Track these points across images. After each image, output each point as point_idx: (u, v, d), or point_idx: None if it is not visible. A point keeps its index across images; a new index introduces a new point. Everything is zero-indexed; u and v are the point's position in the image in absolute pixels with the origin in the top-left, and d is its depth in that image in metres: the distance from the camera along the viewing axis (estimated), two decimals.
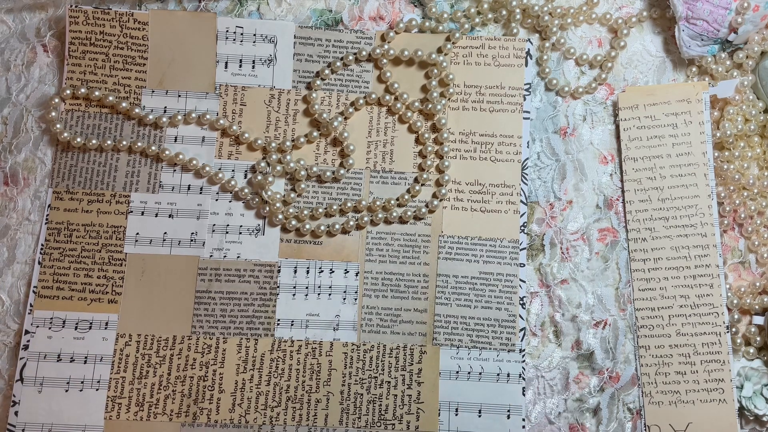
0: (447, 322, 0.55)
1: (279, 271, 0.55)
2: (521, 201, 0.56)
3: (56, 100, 0.57)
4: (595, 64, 0.59)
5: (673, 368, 0.52)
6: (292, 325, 0.55)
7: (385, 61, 0.58)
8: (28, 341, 0.54)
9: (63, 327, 0.54)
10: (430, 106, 0.57)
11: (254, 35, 0.58)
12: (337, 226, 0.56)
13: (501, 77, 0.58)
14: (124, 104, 0.56)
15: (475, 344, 0.55)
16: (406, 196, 0.56)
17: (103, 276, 0.55)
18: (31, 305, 0.54)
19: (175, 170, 0.56)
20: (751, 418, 0.54)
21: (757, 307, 0.56)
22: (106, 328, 0.54)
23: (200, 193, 0.56)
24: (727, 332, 0.52)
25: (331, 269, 0.56)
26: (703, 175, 0.54)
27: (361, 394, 0.54)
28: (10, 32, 0.59)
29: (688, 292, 0.53)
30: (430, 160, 0.57)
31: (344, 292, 0.55)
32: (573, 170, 0.58)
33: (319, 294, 0.55)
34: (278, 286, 0.55)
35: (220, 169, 0.56)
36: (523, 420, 0.54)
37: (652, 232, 0.53)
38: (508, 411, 0.54)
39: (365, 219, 0.56)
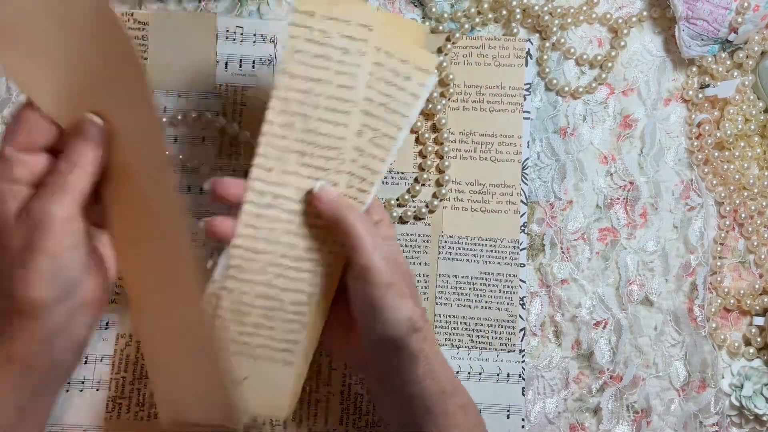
0: (447, 323, 0.55)
1: None
2: (521, 201, 0.56)
3: None
4: (596, 63, 0.59)
5: (251, 319, 0.47)
6: None
7: None
8: None
9: None
10: (430, 106, 0.57)
11: (254, 35, 0.58)
12: None
13: (501, 77, 0.58)
14: None
15: (475, 344, 0.55)
16: (406, 196, 0.56)
17: None
18: None
19: (174, 170, 0.56)
20: (751, 417, 0.54)
21: (757, 308, 0.56)
22: (106, 328, 0.54)
23: (200, 193, 0.56)
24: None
25: None
26: (357, 119, 0.45)
27: (361, 394, 0.54)
28: None
29: (298, 242, 0.47)
30: (430, 160, 0.57)
31: None
32: (573, 170, 0.58)
33: None
34: None
35: (220, 169, 0.56)
36: (523, 420, 0.54)
37: (282, 163, 0.45)
38: (508, 411, 0.54)
39: None
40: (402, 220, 0.56)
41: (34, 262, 0.39)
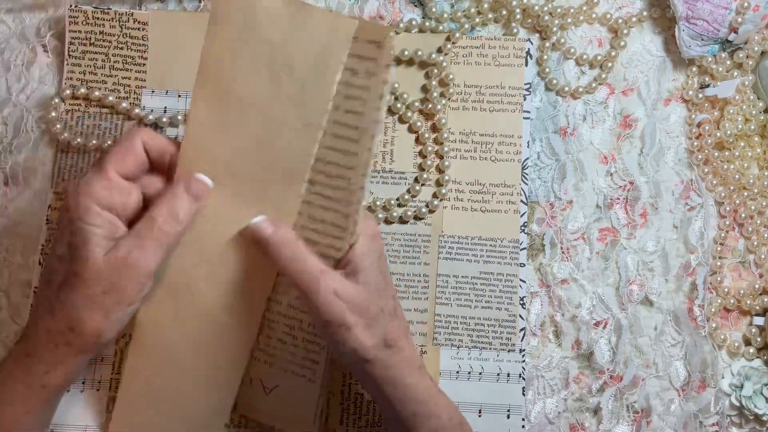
0: (447, 322, 0.55)
1: None
2: (521, 201, 0.56)
3: (56, 100, 0.57)
4: (595, 63, 0.59)
5: (277, 334, 0.48)
6: None
7: None
8: None
9: None
10: (430, 106, 0.57)
11: None
12: None
13: (501, 77, 0.58)
14: (124, 104, 0.56)
15: (476, 344, 0.55)
16: (407, 196, 0.56)
17: None
18: (31, 306, 0.54)
19: None
20: (751, 417, 0.54)
21: (757, 308, 0.56)
22: None
23: None
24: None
25: None
26: (367, 146, 0.41)
27: (362, 394, 0.54)
28: (10, 32, 0.59)
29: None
30: (430, 160, 0.57)
31: None
32: (573, 170, 0.58)
33: None
34: None
35: None
36: (523, 420, 0.54)
37: None
38: (508, 411, 0.54)
39: None
40: (402, 220, 0.56)
41: (114, 311, 0.40)
